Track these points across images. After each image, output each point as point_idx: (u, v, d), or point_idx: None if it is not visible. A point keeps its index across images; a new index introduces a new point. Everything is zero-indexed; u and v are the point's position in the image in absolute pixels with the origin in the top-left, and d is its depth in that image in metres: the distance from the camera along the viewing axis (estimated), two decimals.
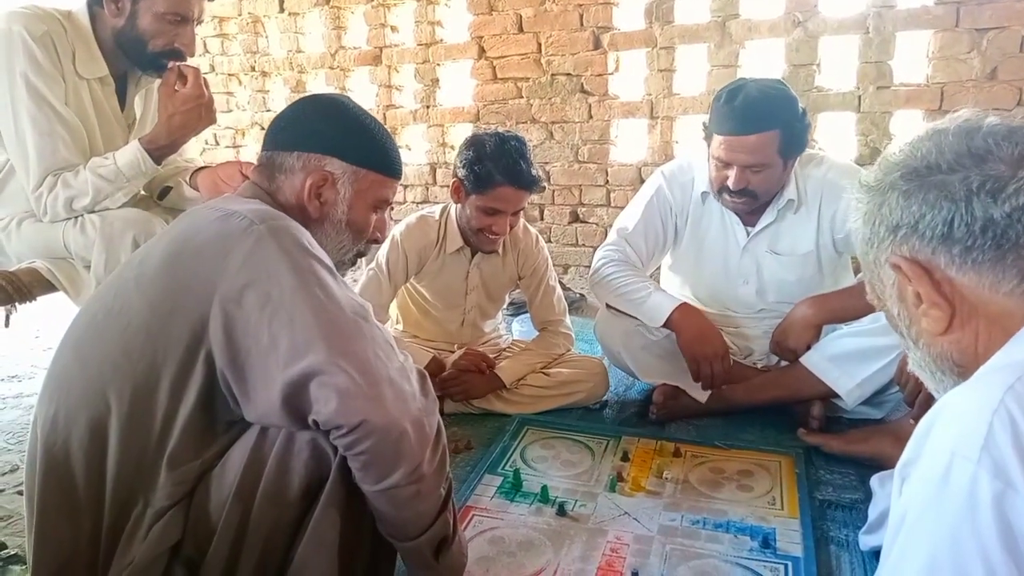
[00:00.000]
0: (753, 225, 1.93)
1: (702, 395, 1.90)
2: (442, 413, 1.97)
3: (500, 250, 2.02)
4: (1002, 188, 0.62)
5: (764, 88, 1.73)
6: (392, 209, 1.25)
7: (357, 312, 0.97)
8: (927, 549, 0.55)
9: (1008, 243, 0.61)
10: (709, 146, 1.83)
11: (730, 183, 1.78)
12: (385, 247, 1.99)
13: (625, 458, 1.69)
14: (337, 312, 0.94)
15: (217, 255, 0.95)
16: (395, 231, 2.02)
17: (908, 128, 2.97)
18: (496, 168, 1.81)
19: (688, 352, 1.78)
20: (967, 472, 0.52)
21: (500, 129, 1.93)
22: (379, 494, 0.96)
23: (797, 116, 1.74)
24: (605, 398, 2.07)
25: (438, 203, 3.83)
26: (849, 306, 1.77)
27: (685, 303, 1.83)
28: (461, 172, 1.87)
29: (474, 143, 1.86)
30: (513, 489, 1.55)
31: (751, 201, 1.83)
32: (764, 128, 1.70)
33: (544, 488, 1.52)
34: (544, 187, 1.99)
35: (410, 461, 0.94)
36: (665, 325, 1.82)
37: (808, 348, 1.84)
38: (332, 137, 1.14)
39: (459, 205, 1.94)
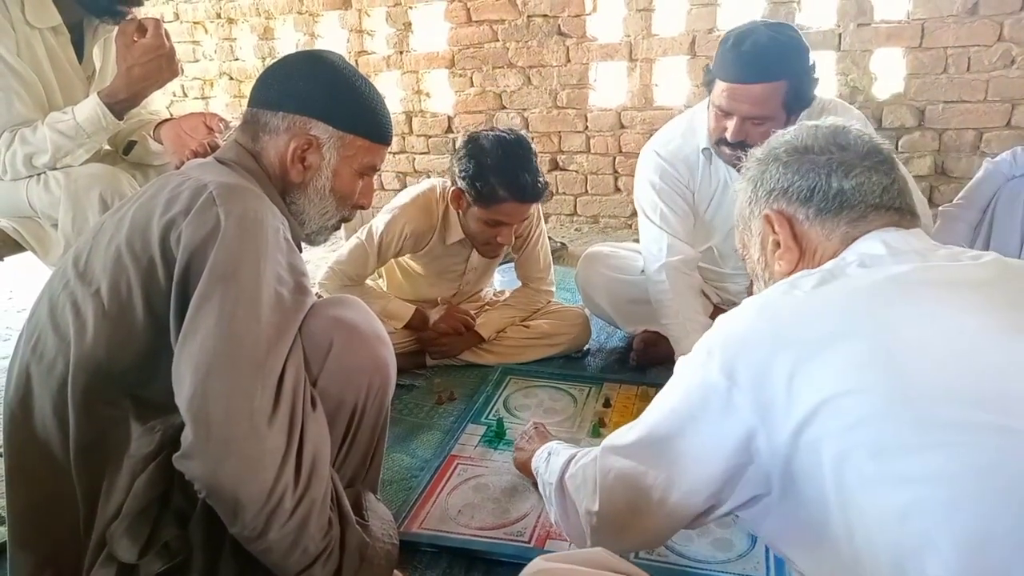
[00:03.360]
0: None
1: None
2: (425, 366, 2.00)
3: None
4: (851, 169, 0.87)
5: (775, 34, 1.59)
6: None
7: (271, 338, 0.90)
8: (670, 395, 0.84)
9: (847, 205, 0.86)
10: (710, 92, 1.70)
11: (728, 135, 1.65)
12: (384, 220, 1.85)
13: (607, 404, 1.71)
14: (234, 347, 0.88)
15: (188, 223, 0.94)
16: (397, 203, 1.88)
17: (888, 67, 2.94)
18: (500, 183, 1.69)
19: None
20: (700, 359, 0.80)
21: (500, 128, 1.77)
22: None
23: (806, 68, 1.62)
24: (587, 346, 2.08)
25: (415, 152, 3.81)
26: None
27: None
28: (462, 184, 1.73)
29: (473, 152, 1.72)
30: (497, 437, 1.56)
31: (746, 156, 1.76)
32: (771, 78, 1.56)
33: None
34: (551, 194, 1.87)
35: (243, 523, 0.88)
36: None
37: None
38: (319, 99, 1.09)
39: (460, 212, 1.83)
